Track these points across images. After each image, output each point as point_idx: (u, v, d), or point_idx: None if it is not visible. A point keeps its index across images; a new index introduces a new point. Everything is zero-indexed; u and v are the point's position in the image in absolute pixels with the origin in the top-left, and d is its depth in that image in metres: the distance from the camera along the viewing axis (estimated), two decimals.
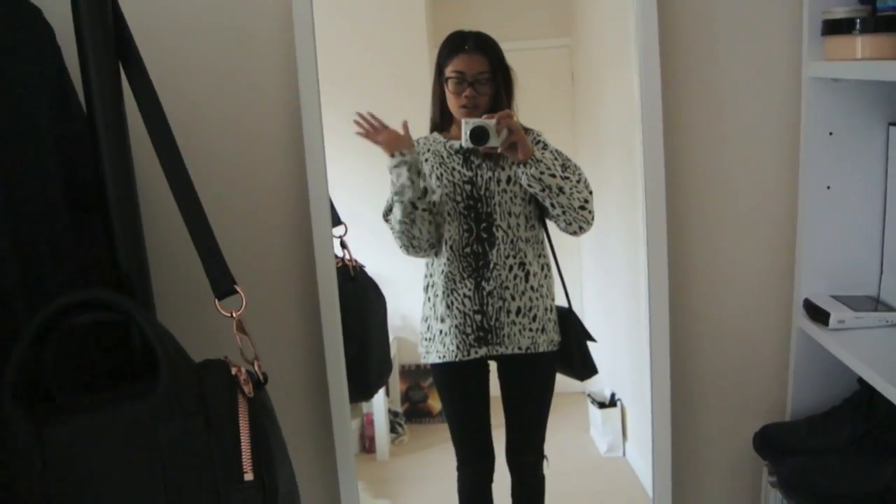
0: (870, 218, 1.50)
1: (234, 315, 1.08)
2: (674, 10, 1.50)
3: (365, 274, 1.70)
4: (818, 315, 1.46)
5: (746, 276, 1.61)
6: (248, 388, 1.03)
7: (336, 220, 1.63)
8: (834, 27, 1.37)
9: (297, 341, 1.61)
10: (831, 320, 1.42)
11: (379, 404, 1.89)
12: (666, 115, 1.49)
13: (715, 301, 1.62)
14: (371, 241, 1.74)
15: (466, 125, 1.56)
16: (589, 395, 1.90)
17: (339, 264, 1.64)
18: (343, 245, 1.66)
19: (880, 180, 1.48)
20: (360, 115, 1.63)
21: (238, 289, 1.08)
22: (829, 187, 1.49)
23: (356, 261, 1.68)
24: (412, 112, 1.72)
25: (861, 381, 1.38)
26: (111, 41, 1.07)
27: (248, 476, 0.99)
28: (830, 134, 1.47)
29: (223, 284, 1.08)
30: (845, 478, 1.36)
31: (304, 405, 1.63)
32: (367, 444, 1.92)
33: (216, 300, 1.08)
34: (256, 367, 1.08)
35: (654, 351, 1.56)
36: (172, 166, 1.07)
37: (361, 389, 1.73)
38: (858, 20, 1.32)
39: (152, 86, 1.09)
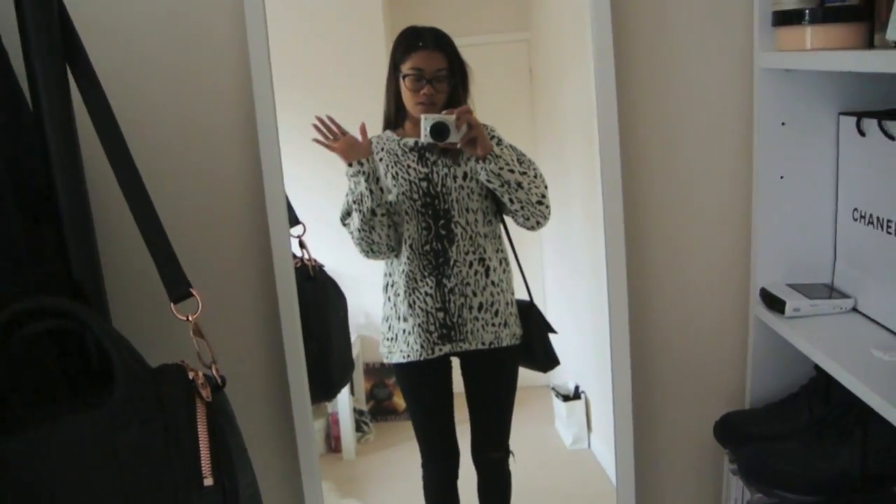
0: (822, 206, 1.52)
1: (190, 319, 1.06)
2: (627, 1, 1.51)
3: (324, 273, 1.69)
4: (774, 304, 1.48)
5: (703, 266, 1.63)
6: (205, 393, 1.02)
7: (294, 220, 1.62)
8: (784, 18, 1.39)
9: (257, 342, 1.60)
10: (787, 308, 1.44)
11: (344, 403, 1.88)
12: (621, 107, 1.50)
13: (673, 291, 1.64)
14: (332, 238, 1.72)
15: (426, 121, 1.55)
16: (553, 388, 1.90)
17: (298, 264, 1.63)
18: (301, 245, 1.65)
19: (832, 169, 1.50)
20: (319, 120, 1.60)
21: (194, 292, 1.07)
22: (782, 177, 1.51)
23: (315, 260, 1.67)
24: (369, 109, 1.71)
25: (818, 367, 1.40)
26: (58, 44, 1.05)
27: (208, 481, 0.99)
28: (783, 124, 1.49)
29: (179, 288, 1.07)
30: (804, 462, 1.38)
31: (265, 406, 1.62)
32: (333, 444, 1.91)
33: (172, 304, 1.06)
34: (214, 371, 1.07)
35: (613, 342, 1.57)
36: (124, 170, 1.06)
37: (324, 389, 1.72)
38: (807, 11, 1.33)
39: (101, 88, 1.07)
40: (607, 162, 1.51)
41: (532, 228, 1.63)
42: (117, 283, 1.33)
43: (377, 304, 1.74)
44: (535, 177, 1.61)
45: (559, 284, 1.81)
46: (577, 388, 1.89)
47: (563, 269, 1.82)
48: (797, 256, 1.54)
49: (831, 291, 1.49)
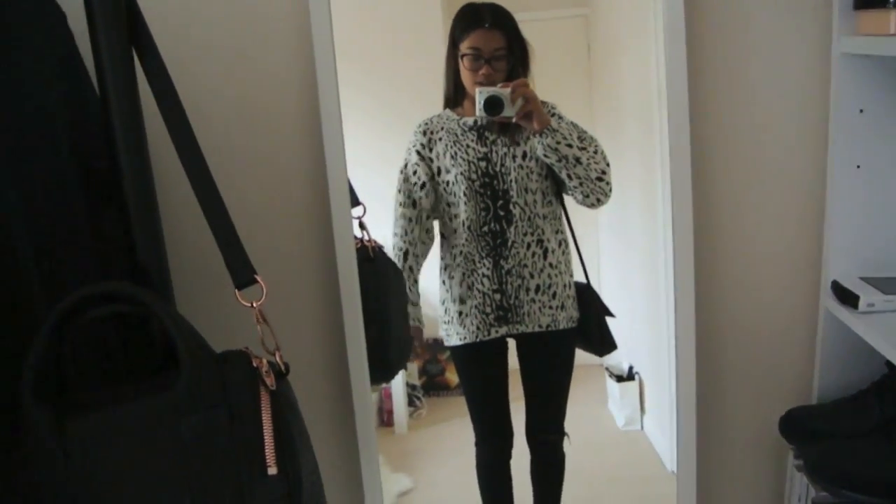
0: None
1: (254, 305, 1.06)
2: None
3: (384, 254, 1.68)
4: (847, 298, 1.43)
5: (773, 257, 1.58)
6: (269, 380, 1.02)
7: (354, 201, 1.61)
8: (867, 0, 1.33)
9: (318, 325, 1.60)
10: (861, 303, 1.40)
11: (397, 378, 1.88)
12: (691, 92, 1.46)
13: (741, 282, 1.60)
14: (386, 215, 1.72)
15: (480, 94, 1.53)
16: (607, 369, 1.90)
17: (358, 245, 1.62)
18: (362, 226, 1.64)
19: None
20: None
21: (258, 279, 1.07)
22: (858, 166, 1.46)
23: (375, 241, 1.66)
24: (426, 85, 1.71)
25: (889, 364, 1.36)
26: (124, 26, 1.04)
27: (272, 470, 0.98)
28: (861, 111, 1.43)
29: (243, 275, 1.06)
30: (874, 463, 1.34)
31: (325, 389, 1.62)
32: (385, 418, 1.93)
33: (236, 290, 1.06)
34: (278, 358, 1.06)
35: (679, 331, 1.54)
36: (189, 154, 1.05)
37: (382, 371, 1.72)
38: None
39: (166, 71, 1.06)
40: (677, 149, 1.47)
41: (592, 206, 1.61)
42: (182, 269, 1.34)
43: (431, 279, 1.74)
44: (595, 152, 1.58)
45: (614, 266, 1.80)
46: (630, 368, 1.88)
47: (618, 251, 1.81)
48: (872, 249, 1.49)
49: None
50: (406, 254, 1.70)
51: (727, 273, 1.59)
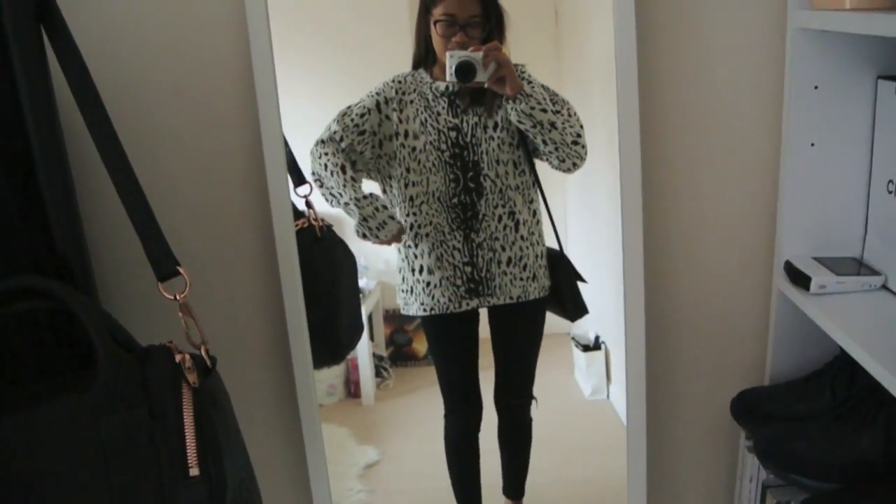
0: (855, 176, 1.43)
1: (177, 298, 1.02)
2: None
3: (332, 233, 1.64)
4: (799, 279, 1.41)
5: (726, 236, 1.56)
6: (192, 378, 0.99)
7: (300, 180, 1.58)
8: None
9: (260, 310, 1.56)
10: (812, 285, 1.37)
11: (363, 349, 1.86)
12: (641, 64, 1.42)
13: (693, 260, 1.58)
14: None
15: (451, 59, 1.47)
16: (573, 338, 1.88)
17: (305, 225, 1.58)
18: (308, 205, 1.60)
19: (867, 137, 1.41)
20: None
21: (181, 270, 1.03)
22: (813, 144, 1.43)
23: (323, 220, 1.62)
24: (390, 49, 1.66)
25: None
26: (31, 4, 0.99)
27: (194, 471, 0.96)
28: (816, 88, 1.40)
29: (165, 267, 1.03)
30: (822, 446, 1.33)
31: (268, 376, 1.59)
32: (352, 389, 1.91)
33: (158, 283, 1.02)
34: (203, 352, 1.03)
35: (628, 309, 1.53)
36: (106, 143, 1.00)
37: (332, 353, 1.70)
38: None
39: (77, 50, 1.01)
40: (625, 120, 1.44)
41: (568, 171, 1.58)
42: (106, 259, 1.30)
43: (397, 250, 1.71)
44: (570, 115, 1.55)
45: (581, 233, 1.78)
46: (597, 338, 1.86)
47: (585, 219, 1.78)
48: (826, 228, 1.47)
49: (860, 267, 1.42)
50: (343, 168, 1.61)
51: (679, 251, 1.57)
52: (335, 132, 1.59)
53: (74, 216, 1.06)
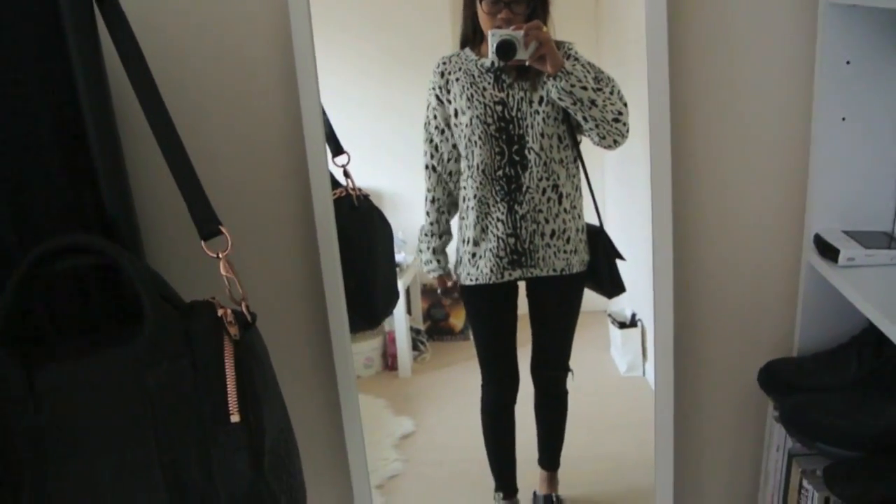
0: (886, 151, 1.44)
1: (220, 256, 1.07)
2: None
3: (369, 202, 1.69)
4: (828, 251, 1.42)
5: (756, 209, 1.57)
6: (233, 331, 1.03)
7: (338, 150, 1.61)
8: None
9: (297, 273, 1.60)
10: (840, 257, 1.38)
11: (401, 322, 1.90)
12: (672, 38, 1.43)
13: (723, 233, 1.58)
14: (390, 161, 1.74)
15: (493, 37, 1.49)
16: (609, 315, 1.90)
17: (343, 194, 1.62)
18: (346, 174, 1.64)
19: None
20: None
21: (223, 230, 1.08)
22: (844, 119, 1.43)
23: (360, 189, 1.66)
24: (431, 32, 1.70)
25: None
26: None
27: (235, 417, 1.00)
28: (847, 63, 1.40)
29: (208, 226, 1.07)
30: (846, 416, 1.34)
31: (305, 338, 1.63)
32: (389, 362, 1.94)
33: (202, 242, 1.07)
34: (244, 308, 1.08)
35: (657, 280, 1.54)
36: (153, 109, 1.06)
37: (367, 319, 1.74)
38: None
39: (127, 22, 1.06)
40: (656, 94, 1.45)
41: (609, 147, 1.60)
42: (153, 218, 1.35)
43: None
44: (612, 93, 1.56)
45: (619, 211, 1.79)
46: (633, 315, 1.88)
47: (622, 196, 1.79)
48: (856, 202, 1.47)
49: (890, 241, 1.42)
50: (435, 202, 1.73)
51: (709, 224, 1.58)
52: (426, 153, 1.70)
53: (122, 178, 1.11)
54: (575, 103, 1.53)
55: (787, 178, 1.54)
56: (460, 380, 1.85)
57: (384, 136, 1.77)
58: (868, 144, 1.44)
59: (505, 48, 1.49)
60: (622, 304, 1.87)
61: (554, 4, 1.59)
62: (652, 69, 1.45)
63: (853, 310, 1.34)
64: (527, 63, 1.51)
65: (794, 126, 1.51)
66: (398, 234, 1.78)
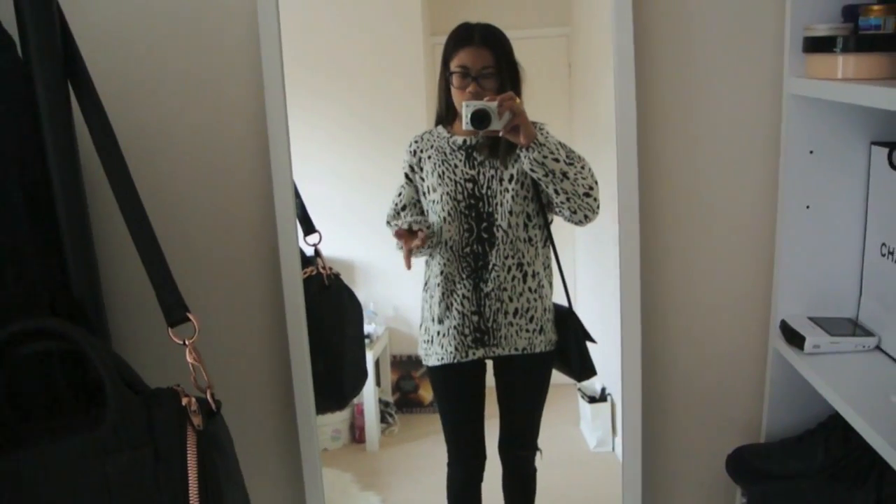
0: (849, 238, 1.47)
1: (186, 343, 1.06)
2: (651, 16, 1.47)
3: (340, 282, 1.69)
4: (794, 338, 1.43)
5: (723, 294, 1.59)
6: (197, 420, 1.01)
7: (310, 229, 1.62)
8: (815, 44, 1.34)
9: (265, 355, 1.60)
10: (806, 345, 1.40)
11: (369, 394, 1.88)
12: (641, 123, 1.47)
13: (691, 318, 1.60)
14: (362, 232, 1.74)
15: (467, 108, 1.51)
16: (579, 390, 1.88)
17: (314, 272, 1.62)
18: (317, 253, 1.64)
19: (861, 200, 1.45)
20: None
21: (191, 317, 1.07)
22: (808, 206, 1.46)
23: (331, 269, 1.66)
24: (407, 105, 1.72)
25: None
26: (58, 56, 1.04)
27: None
28: (811, 152, 1.44)
29: (175, 312, 1.06)
30: None
31: (271, 421, 1.61)
32: (356, 435, 1.92)
33: (168, 328, 1.06)
34: (209, 396, 1.06)
35: (625, 364, 1.55)
36: (123, 192, 1.05)
37: (335, 399, 1.73)
38: (840, 38, 1.29)
39: (100, 104, 1.07)
40: (624, 178, 1.48)
41: (580, 223, 1.60)
42: (119, 300, 1.33)
43: (406, 296, 1.75)
44: (583, 168, 1.57)
45: (590, 286, 1.79)
46: (603, 390, 1.87)
47: (594, 272, 1.80)
48: (821, 289, 1.50)
49: (855, 328, 1.44)
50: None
51: (676, 307, 1.60)
52: (387, 221, 1.69)
53: (90, 258, 1.10)
54: (547, 175, 1.54)
55: (753, 264, 1.56)
56: (429, 454, 1.82)
57: (357, 206, 1.78)
58: (832, 232, 1.47)
59: (479, 117, 1.50)
60: (592, 379, 1.85)
61: (530, 76, 1.62)
62: (621, 150, 1.47)
63: (820, 396, 1.35)
64: (500, 134, 1.53)
65: (760, 213, 1.54)
66: (369, 305, 1.78)
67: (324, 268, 1.65)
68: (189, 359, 1.05)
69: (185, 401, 1.02)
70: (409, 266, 1.64)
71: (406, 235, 1.62)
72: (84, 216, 1.09)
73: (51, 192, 1.06)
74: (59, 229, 1.07)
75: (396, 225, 1.66)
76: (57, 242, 1.08)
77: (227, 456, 1.06)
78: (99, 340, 1.06)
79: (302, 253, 1.56)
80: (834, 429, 1.43)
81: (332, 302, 1.66)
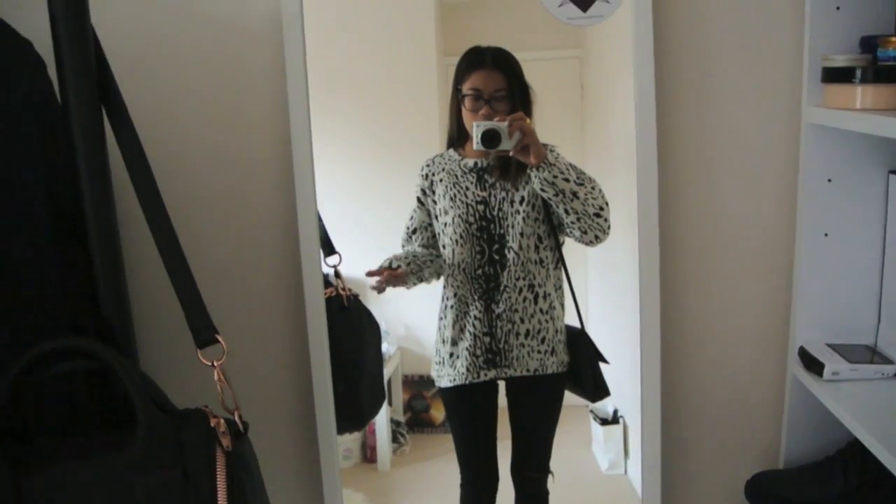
0: (868, 266, 1.47)
1: (214, 364, 1.07)
2: (671, 46, 1.49)
3: (359, 303, 1.70)
4: (812, 365, 1.44)
5: (741, 320, 1.59)
6: (226, 441, 1.02)
7: (330, 250, 1.63)
8: (834, 75, 1.35)
9: (287, 376, 1.60)
10: (825, 372, 1.40)
11: (381, 414, 1.87)
12: (661, 151, 1.48)
13: (710, 345, 1.60)
14: (375, 250, 1.73)
15: (478, 128, 1.52)
16: (591, 411, 1.88)
17: (333, 294, 1.63)
18: (337, 274, 1.65)
19: (879, 228, 1.46)
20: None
21: (219, 339, 1.08)
22: (826, 234, 1.47)
23: (350, 290, 1.67)
24: (421, 125, 1.74)
25: None
26: (93, 84, 1.06)
27: None
28: (829, 181, 1.45)
29: (204, 335, 1.07)
30: None
31: (292, 442, 1.62)
32: (368, 454, 1.92)
33: (197, 350, 1.07)
34: (237, 417, 1.07)
35: (644, 391, 1.55)
36: (153, 213, 1.07)
37: (353, 421, 1.73)
38: (858, 69, 1.30)
39: (133, 128, 1.09)
40: (645, 207, 1.49)
41: (590, 243, 1.60)
42: (149, 325, 1.35)
43: (417, 316, 1.77)
44: (593, 188, 1.58)
45: (602, 308, 1.79)
46: (615, 412, 1.87)
47: (606, 294, 1.80)
48: (840, 316, 1.50)
49: (874, 355, 1.45)
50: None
51: (697, 334, 1.60)
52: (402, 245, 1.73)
53: (120, 278, 1.11)
54: (557, 194, 1.55)
55: (771, 291, 1.57)
56: (440, 474, 1.82)
57: (369, 226, 1.79)
58: (850, 259, 1.48)
59: (489, 137, 1.52)
60: (604, 401, 1.84)
61: (542, 98, 1.64)
62: (641, 180, 1.48)
63: (839, 422, 1.35)
64: (511, 153, 1.54)
65: (778, 240, 1.55)
66: (381, 324, 1.78)
67: (343, 289, 1.66)
68: (217, 380, 1.06)
69: (213, 422, 1.03)
70: (379, 290, 1.68)
71: (383, 273, 1.67)
72: (115, 238, 1.11)
73: (83, 210, 1.07)
74: (89, 248, 1.08)
75: (395, 261, 1.70)
76: (85, 263, 1.09)
77: (253, 476, 1.07)
78: (128, 360, 1.07)
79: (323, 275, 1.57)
80: (853, 455, 1.43)
81: (352, 323, 1.68)
